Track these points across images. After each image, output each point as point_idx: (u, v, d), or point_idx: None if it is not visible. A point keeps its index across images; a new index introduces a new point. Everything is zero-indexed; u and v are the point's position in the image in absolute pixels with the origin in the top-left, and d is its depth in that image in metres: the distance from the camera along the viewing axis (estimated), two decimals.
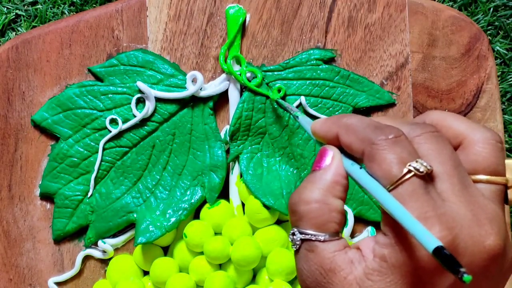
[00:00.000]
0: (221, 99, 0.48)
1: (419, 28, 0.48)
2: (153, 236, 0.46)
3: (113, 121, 0.47)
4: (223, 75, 0.47)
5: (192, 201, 0.47)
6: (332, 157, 0.32)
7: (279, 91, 0.47)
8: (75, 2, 0.57)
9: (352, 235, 0.47)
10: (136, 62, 0.47)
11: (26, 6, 0.58)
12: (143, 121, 0.47)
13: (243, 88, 0.47)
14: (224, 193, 0.48)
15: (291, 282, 0.46)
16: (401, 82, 0.48)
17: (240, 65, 0.47)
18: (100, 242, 0.47)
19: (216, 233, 0.47)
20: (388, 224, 0.29)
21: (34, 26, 0.57)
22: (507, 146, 0.58)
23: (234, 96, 0.47)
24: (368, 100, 0.47)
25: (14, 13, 0.58)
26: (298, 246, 0.31)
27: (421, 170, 0.29)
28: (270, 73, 0.47)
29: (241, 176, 0.47)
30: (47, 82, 0.47)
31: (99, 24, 0.48)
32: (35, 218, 0.47)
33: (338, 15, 0.48)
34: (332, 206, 0.31)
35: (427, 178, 0.29)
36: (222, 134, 0.47)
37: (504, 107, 0.58)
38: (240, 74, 0.47)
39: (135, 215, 0.47)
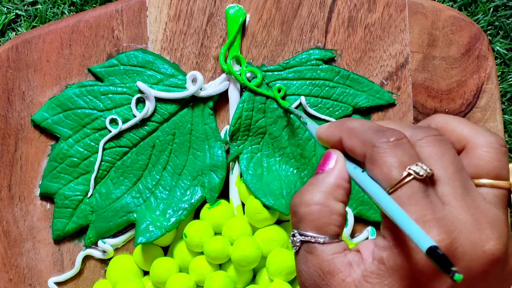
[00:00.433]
0: (221, 99, 0.48)
1: (419, 28, 0.48)
2: (153, 236, 0.46)
3: (113, 121, 0.47)
4: (223, 75, 0.47)
5: (192, 201, 0.47)
6: (335, 161, 0.32)
7: (279, 91, 0.47)
8: (75, 2, 0.57)
9: (352, 235, 0.47)
10: (136, 62, 0.47)
11: (26, 6, 0.58)
12: (143, 121, 0.47)
13: (243, 88, 0.48)
14: (224, 193, 0.48)
15: (291, 282, 0.46)
16: (401, 82, 0.48)
17: (240, 65, 0.47)
18: (100, 242, 0.47)
19: (216, 233, 0.47)
20: (387, 227, 0.30)
21: (34, 26, 0.57)
22: (507, 146, 0.58)
23: (234, 96, 0.47)
24: (368, 100, 0.47)
25: (14, 13, 0.58)
26: (298, 247, 0.31)
27: (420, 173, 0.29)
28: (270, 73, 0.47)
29: (241, 176, 0.47)
30: (47, 82, 0.47)
31: (99, 24, 0.48)
32: (35, 218, 0.47)
33: (338, 15, 0.48)
34: (333, 209, 0.31)
35: (428, 181, 0.29)
36: (222, 134, 0.47)
37: (504, 107, 0.58)
38: (240, 74, 0.47)
39: (135, 215, 0.47)
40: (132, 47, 0.48)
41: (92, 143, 0.47)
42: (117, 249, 0.48)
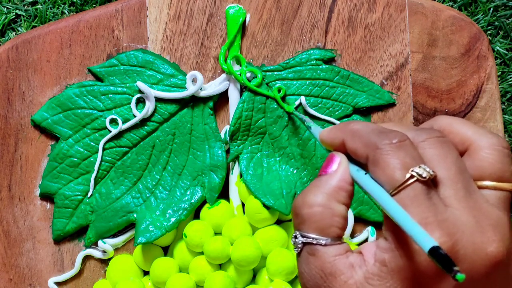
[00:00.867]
0: (221, 99, 0.48)
1: (419, 28, 0.48)
2: (153, 236, 0.46)
3: (113, 121, 0.47)
4: (223, 75, 0.47)
5: (192, 201, 0.47)
6: (338, 163, 0.32)
7: (279, 91, 0.47)
8: (75, 2, 0.57)
9: (352, 235, 0.47)
10: (136, 62, 0.47)
11: (26, 6, 0.58)
12: (143, 121, 0.47)
13: (243, 88, 0.48)
14: (224, 193, 0.48)
15: (291, 282, 0.46)
16: (401, 82, 0.48)
17: (240, 65, 0.47)
18: (100, 242, 0.47)
19: (216, 233, 0.47)
20: (389, 229, 0.30)
21: (34, 26, 0.57)
22: (509, 146, 0.58)
23: (234, 96, 0.47)
24: (368, 100, 0.47)
25: (14, 13, 0.58)
26: (300, 249, 0.31)
27: (423, 175, 0.29)
28: (270, 73, 0.47)
29: (241, 176, 0.47)
30: (47, 82, 0.47)
31: (99, 24, 0.48)
32: (35, 218, 0.47)
33: (338, 15, 0.48)
34: (335, 211, 0.31)
35: (430, 183, 0.29)
36: (222, 134, 0.47)
37: (504, 107, 0.58)
38: (240, 74, 0.47)
39: (135, 215, 0.47)
40: (132, 47, 0.48)
41: (92, 143, 0.47)
42: (117, 249, 0.48)
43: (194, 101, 0.47)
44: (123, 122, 0.47)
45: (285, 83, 0.47)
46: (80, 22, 0.48)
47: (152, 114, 0.47)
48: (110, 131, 0.47)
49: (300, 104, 0.47)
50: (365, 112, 0.48)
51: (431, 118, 0.48)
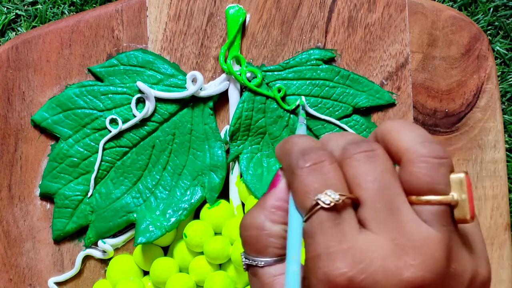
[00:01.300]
0: (221, 99, 0.48)
1: (419, 28, 0.48)
2: (153, 236, 0.46)
3: (113, 121, 0.47)
4: (223, 75, 0.47)
5: (192, 201, 0.47)
6: (279, 181, 0.31)
7: (279, 91, 0.47)
8: (75, 2, 0.57)
9: None
10: (136, 62, 0.47)
11: (26, 6, 0.58)
12: (143, 121, 0.47)
13: (243, 88, 0.48)
14: (224, 193, 0.48)
15: None
16: (401, 82, 0.48)
17: (240, 65, 0.47)
18: (100, 242, 0.47)
19: (216, 233, 0.47)
20: None
21: (34, 26, 0.57)
22: (507, 146, 0.58)
23: (234, 96, 0.47)
24: (368, 100, 0.47)
25: (14, 13, 0.58)
26: (245, 269, 0.31)
27: (326, 202, 0.27)
28: (270, 73, 0.47)
29: (241, 176, 0.47)
30: (47, 82, 0.47)
31: (99, 24, 0.48)
32: (35, 218, 0.47)
33: (338, 15, 0.48)
34: (271, 232, 0.30)
35: (340, 208, 0.28)
36: (222, 134, 0.47)
37: (504, 107, 0.58)
38: (240, 74, 0.47)
39: (135, 215, 0.47)
40: (132, 47, 0.48)
41: (92, 143, 0.47)
42: (117, 249, 0.48)
43: (194, 101, 0.47)
44: (123, 122, 0.47)
45: (285, 83, 0.47)
46: (80, 22, 0.48)
47: (152, 114, 0.47)
48: (110, 131, 0.47)
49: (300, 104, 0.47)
50: (365, 112, 0.48)
51: (431, 118, 0.48)
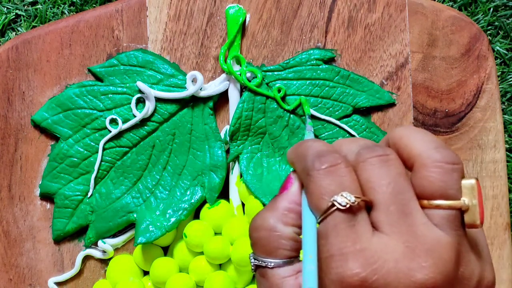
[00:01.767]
0: (221, 99, 0.48)
1: (419, 28, 0.48)
2: (153, 236, 0.46)
3: (113, 121, 0.47)
4: (223, 75, 0.47)
5: (192, 201, 0.47)
6: (291, 184, 0.32)
7: (279, 91, 0.47)
8: (75, 2, 0.57)
9: None
10: (136, 62, 0.47)
11: (26, 6, 0.58)
12: (143, 121, 0.47)
13: (243, 88, 0.48)
14: (224, 193, 0.48)
15: None
16: (401, 82, 0.48)
17: (240, 65, 0.47)
18: (100, 242, 0.47)
19: (216, 233, 0.47)
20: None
21: (34, 26, 0.57)
22: (507, 146, 0.58)
23: (234, 96, 0.47)
24: (368, 100, 0.47)
25: (14, 13, 0.58)
26: (253, 270, 0.32)
27: (342, 204, 0.28)
28: (270, 73, 0.47)
29: (241, 176, 0.47)
30: (47, 82, 0.47)
31: (99, 24, 0.48)
32: (35, 218, 0.47)
33: (338, 15, 0.48)
34: (282, 233, 0.30)
35: (356, 210, 0.28)
36: (222, 134, 0.47)
37: (504, 107, 0.58)
38: (240, 74, 0.47)
39: (135, 215, 0.47)
40: (132, 47, 0.48)
41: (92, 143, 0.47)
42: (117, 249, 0.48)
43: (194, 101, 0.47)
44: (123, 122, 0.47)
45: (285, 83, 0.47)
46: (80, 22, 0.48)
47: (152, 114, 0.47)
48: (110, 131, 0.47)
49: (300, 104, 0.47)
50: (365, 112, 0.48)
51: (431, 118, 0.48)
